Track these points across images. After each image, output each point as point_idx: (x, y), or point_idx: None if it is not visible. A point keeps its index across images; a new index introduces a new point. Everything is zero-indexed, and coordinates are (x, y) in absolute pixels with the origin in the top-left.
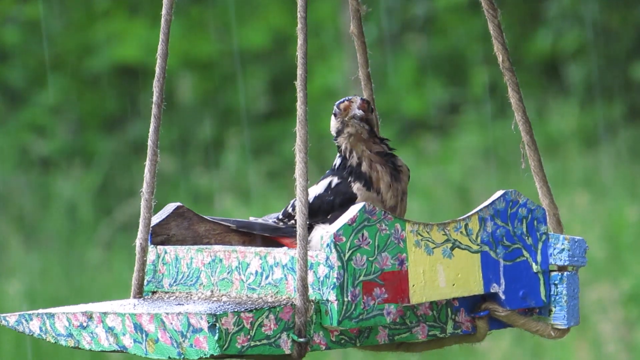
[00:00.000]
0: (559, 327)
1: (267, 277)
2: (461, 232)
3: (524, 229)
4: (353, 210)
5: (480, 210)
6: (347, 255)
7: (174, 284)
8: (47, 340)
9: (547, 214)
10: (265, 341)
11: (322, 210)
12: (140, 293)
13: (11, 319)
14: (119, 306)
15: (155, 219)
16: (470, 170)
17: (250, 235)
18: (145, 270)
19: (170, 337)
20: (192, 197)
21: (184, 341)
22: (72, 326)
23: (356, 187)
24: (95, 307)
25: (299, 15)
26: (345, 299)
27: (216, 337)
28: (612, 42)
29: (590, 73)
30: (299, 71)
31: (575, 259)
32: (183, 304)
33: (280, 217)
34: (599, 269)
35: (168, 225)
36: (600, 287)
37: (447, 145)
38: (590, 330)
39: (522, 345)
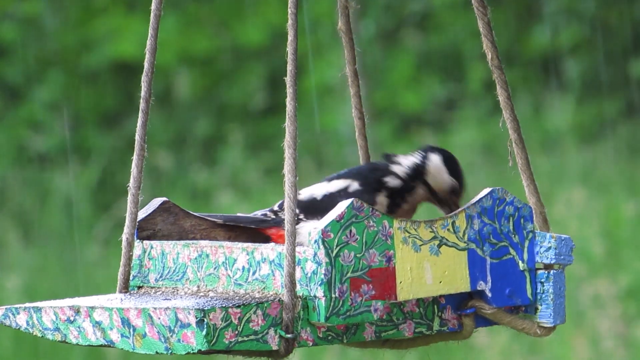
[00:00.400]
0: (545, 325)
1: (254, 273)
2: (448, 230)
3: (511, 227)
4: (341, 207)
5: (467, 207)
6: (334, 252)
7: (160, 279)
8: (34, 334)
9: (533, 212)
10: (252, 337)
11: (328, 209)
12: (126, 288)
13: None
14: (106, 300)
15: (141, 214)
16: (467, 166)
17: (237, 231)
18: (132, 265)
19: (158, 332)
20: (189, 194)
21: (171, 336)
22: (59, 320)
23: (380, 198)
24: (83, 302)
25: (289, 11)
26: (333, 295)
27: (204, 333)
28: (610, 38)
29: (587, 69)
30: (289, 67)
31: (562, 257)
32: (170, 299)
33: (276, 208)
34: (596, 264)
35: (154, 220)
36: (598, 283)
37: (444, 141)
38: (588, 326)
39: (519, 341)
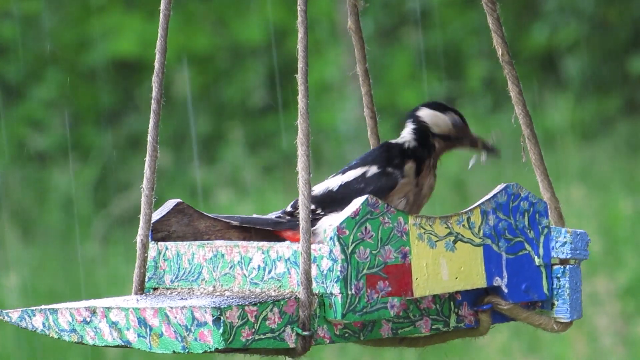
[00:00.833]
0: (562, 320)
1: (269, 272)
2: (463, 225)
3: (526, 222)
4: (356, 203)
5: (482, 203)
6: (350, 249)
7: (176, 280)
8: (51, 335)
9: (548, 207)
10: (269, 335)
11: (346, 199)
12: (141, 289)
13: (14, 315)
14: (122, 301)
15: (156, 216)
16: (468, 163)
17: (250, 232)
18: (147, 267)
19: (175, 331)
20: (188, 192)
21: (188, 335)
22: (75, 321)
23: (408, 165)
24: (99, 303)
25: (299, 8)
26: (349, 292)
27: (221, 331)
28: (608, 36)
29: (587, 67)
30: (300, 64)
31: (578, 252)
32: (186, 299)
33: (289, 209)
34: (595, 262)
35: (168, 221)
36: (597, 281)
37: None
38: (587, 323)
39: (519, 338)
